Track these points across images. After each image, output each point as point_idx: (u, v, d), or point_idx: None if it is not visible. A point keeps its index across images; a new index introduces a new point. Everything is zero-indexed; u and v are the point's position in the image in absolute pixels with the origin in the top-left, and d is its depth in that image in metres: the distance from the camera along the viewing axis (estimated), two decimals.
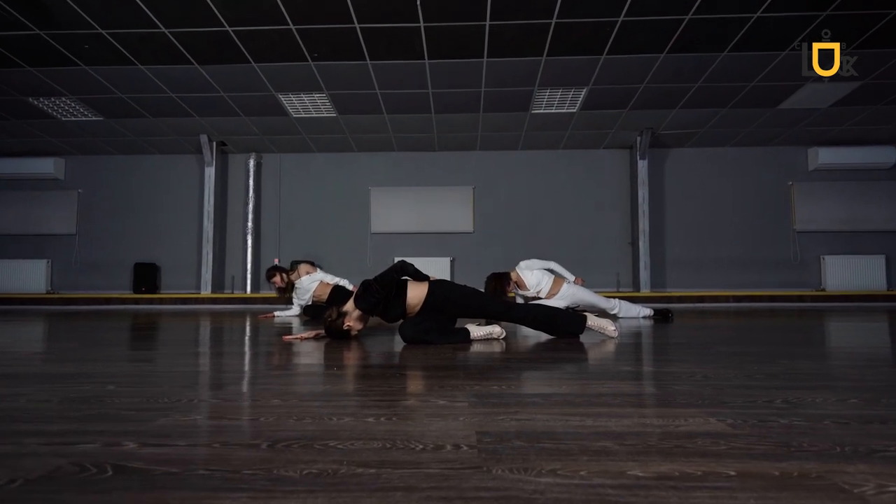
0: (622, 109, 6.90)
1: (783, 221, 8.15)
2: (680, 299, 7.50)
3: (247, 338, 3.29)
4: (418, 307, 2.99)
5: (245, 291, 8.05)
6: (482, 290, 3.22)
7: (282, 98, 6.47)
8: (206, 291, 7.84)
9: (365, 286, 2.86)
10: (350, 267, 7.97)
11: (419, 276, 2.99)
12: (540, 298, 4.75)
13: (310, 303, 5.15)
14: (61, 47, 5.22)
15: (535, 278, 4.71)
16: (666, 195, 8.24)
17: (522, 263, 4.77)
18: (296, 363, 2.12)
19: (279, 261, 8.27)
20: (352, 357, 2.35)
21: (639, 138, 7.76)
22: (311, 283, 5.05)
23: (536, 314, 3.06)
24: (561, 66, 5.66)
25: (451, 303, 3.06)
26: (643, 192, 7.86)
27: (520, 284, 4.78)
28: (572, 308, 4.98)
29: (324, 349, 2.60)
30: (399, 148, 8.32)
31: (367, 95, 6.39)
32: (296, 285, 5.10)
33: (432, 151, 8.43)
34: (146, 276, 8.05)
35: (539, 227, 8.13)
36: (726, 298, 7.61)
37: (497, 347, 2.76)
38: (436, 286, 3.09)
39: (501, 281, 4.59)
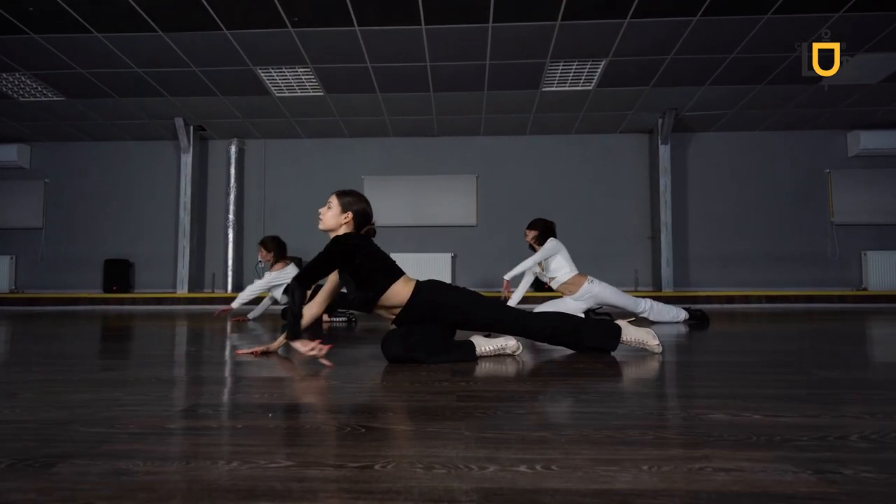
0: (644, 87, 6.14)
1: (819, 213, 7.39)
2: (707, 299, 6.76)
3: (202, 349, 2.57)
4: (398, 309, 2.28)
5: (226, 290, 7.34)
6: (485, 296, 2.49)
7: (261, 73, 5.74)
8: (182, 290, 7.14)
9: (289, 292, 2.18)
10: None
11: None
12: (550, 289, 4.16)
13: (280, 301, 4.47)
14: (3, 10, 4.50)
15: (558, 264, 4.03)
16: (689, 184, 7.49)
17: (553, 244, 4.11)
18: (217, 405, 1.40)
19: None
20: (305, 390, 1.62)
21: (660, 121, 7.00)
22: (274, 282, 4.35)
23: (556, 326, 2.33)
24: (577, 32, 4.91)
25: (441, 307, 2.34)
26: (665, 181, 7.10)
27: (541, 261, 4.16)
28: (592, 311, 4.26)
29: (273, 371, 1.88)
30: (395, 133, 7.58)
31: (358, 70, 5.66)
32: (264, 275, 4.41)
33: (431, 137, 7.69)
34: (118, 274, 7.35)
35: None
36: (758, 298, 6.86)
37: (511, 368, 2.03)
38: (423, 286, 2.36)
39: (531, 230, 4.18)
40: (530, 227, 4.26)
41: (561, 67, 5.64)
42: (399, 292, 2.30)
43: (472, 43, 5.10)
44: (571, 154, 7.61)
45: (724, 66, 5.61)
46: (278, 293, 4.43)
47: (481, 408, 1.35)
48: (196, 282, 7.42)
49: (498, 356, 2.35)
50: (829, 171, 7.40)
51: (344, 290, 2.48)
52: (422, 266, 7.31)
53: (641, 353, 2.32)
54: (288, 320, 2.13)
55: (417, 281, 2.37)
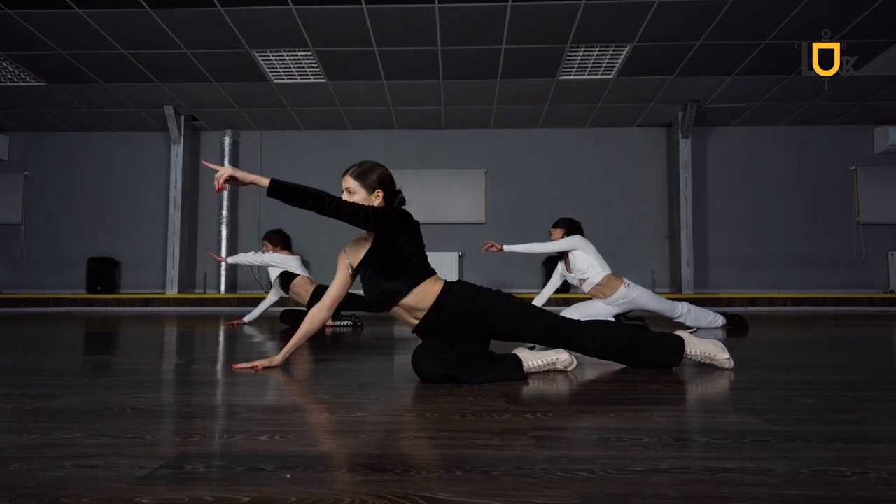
0: (668, 76, 5.76)
1: (845, 213, 7.04)
2: (729, 302, 6.39)
3: (191, 360, 2.13)
4: (421, 312, 1.89)
5: (219, 291, 6.89)
6: (525, 302, 2.11)
7: (259, 57, 5.31)
8: (172, 291, 6.68)
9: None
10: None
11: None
12: (581, 290, 3.76)
13: (285, 295, 4.07)
14: None
15: (586, 263, 3.64)
16: (708, 181, 7.13)
17: (576, 239, 3.70)
18: (210, 455, 0.99)
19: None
20: (325, 427, 1.20)
21: (681, 113, 6.63)
22: (272, 261, 3.94)
23: (606, 337, 1.94)
24: (604, 12, 4.52)
25: (474, 315, 1.95)
26: (685, 177, 6.73)
27: (566, 258, 3.74)
28: (623, 315, 3.88)
29: (279, 395, 1.47)
30: (400, 125, 7.17)
31: (363, 54, 5.24)
32: (267, 260, 4.00)
33: (438, 129, 7.28)
34: (103, 273, 6.88)
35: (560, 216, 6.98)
36: (783, 301, 6.50)
37: (567, 387, 1.64)
38: (453, 287, 1.97)
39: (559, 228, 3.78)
40: (556, 225, 3.88)
41: (582, 53, 5.26)
42: (428, 290, 1.91)
43: (488, 24, 4.70)
44: (586, 149, 7.23)
45: (756, 53, 5.24)
46: (274, 275, 4.02)
47: (578, 461, 0.94)
48: (186, 282, 6.96)
49: (547, 372, 1.97)
50: (854, 169, 7.06)
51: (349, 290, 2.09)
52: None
53: (708, 369, 1.94)
54: (287, 185, 1.71)
55: (446, 281, 1.99)
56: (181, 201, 6.77)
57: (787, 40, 4.96)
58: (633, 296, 3.62)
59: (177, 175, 6.75)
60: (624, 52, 5.24)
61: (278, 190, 1.69)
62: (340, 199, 1.77)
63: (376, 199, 1.92)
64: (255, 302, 6.54)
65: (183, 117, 6.70)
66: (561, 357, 2.08)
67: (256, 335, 3.55)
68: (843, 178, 7.08)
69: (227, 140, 7.04)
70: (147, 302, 6.52)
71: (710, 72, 5.66)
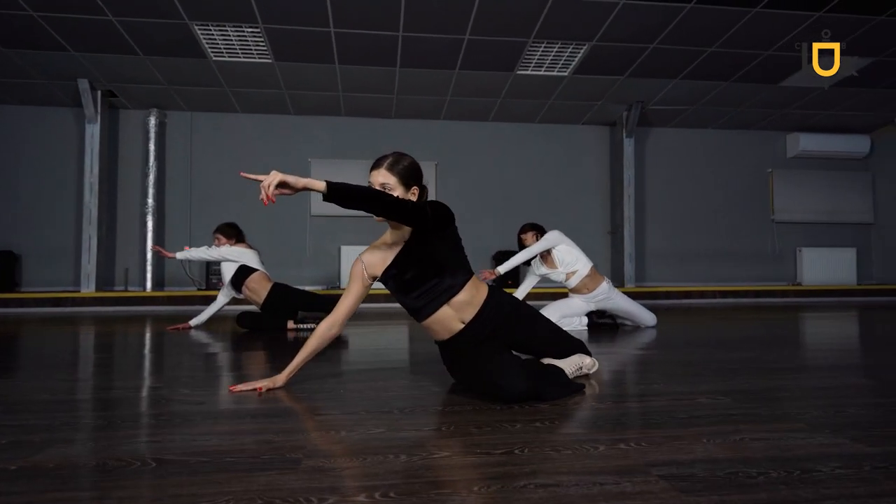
0: (619, 76, 5.93)
1: (762, 211, 7.70)
2: (666, 295, 6.77)
3: (114, 376, 1.79)
4: (472, 311, 1.78)
5: (144, 288, 6.23)
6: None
7: (199, 30, 4.79)
8: (88, 289, 5.94)
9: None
10: (284, 258, 6.44)
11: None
12: (571, 286, 3.73)
13: (236, 295, 3.71)
14: None
15: (572, 255, 3.65)
16: (647, 180, 7.48)
17: (557, 234, 3.67)
18: None
19: (189, 248, 6.51)
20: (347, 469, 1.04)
21: (626, 113, 6.88)
22: (230, 255, 3.59)
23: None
24: (570, 9, 4.54)
25: (521, 318, 1.92)
26: (629, 175, 7.01)
27: (545, 256, 3.73)
28: (596, 315, 3.94)
29: (351, 439, 1.26)
30: (347, 112, 6.83)
31: (318, 36, 4.90)
32: (224, 254, 3.62)
33: (388, 118, 7.03)
34: (0, 269, 5.97)
35: (511, 211, 7.01)
36: (713, 294, 7.00)
37: (597, 405, 1.57)
38: (497, 292, 1.89)
39: (532, 231, 3.71)
40: (526, 230, 3.83)
41: (542, 48, 5.26)
42: (478, 286, 1.85)
43: (456, 12, 4.55)
44: (535, 144, 7.31)
45: (701, 60, 5.53)
46: (229, 273, 3.65)
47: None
48: (105, 278, 6.23)
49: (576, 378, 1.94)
50: (770, 171, 7.72)
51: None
52: None
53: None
54: (345, 187, 1.47)
55: (490, 285, 1.94)
56: (98, 187, 6.01)
57: (730, 49, 5.27)
58: (614, 294, 3.69)
59: (93, 158, 5.98)
60: (582, 51, 5.31)
61: (335, 193, 1.47)
62: (398, 197, 1.58)
63: (412, 197, 1.75)
64: (186, 300, 6.01)
65: (100, 93, 5.93)
66: (585, 361, 2.05)
67: (209, 342, 3.21)
68: (761, 180, 7.72)
69: (152, 121, 6.32)
70: (58, 301, 5.74)
71: (657, 74, 5.89)
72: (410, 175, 1.73)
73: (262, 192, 1.44)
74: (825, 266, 7.57)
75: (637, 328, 3.75)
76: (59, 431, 1.38)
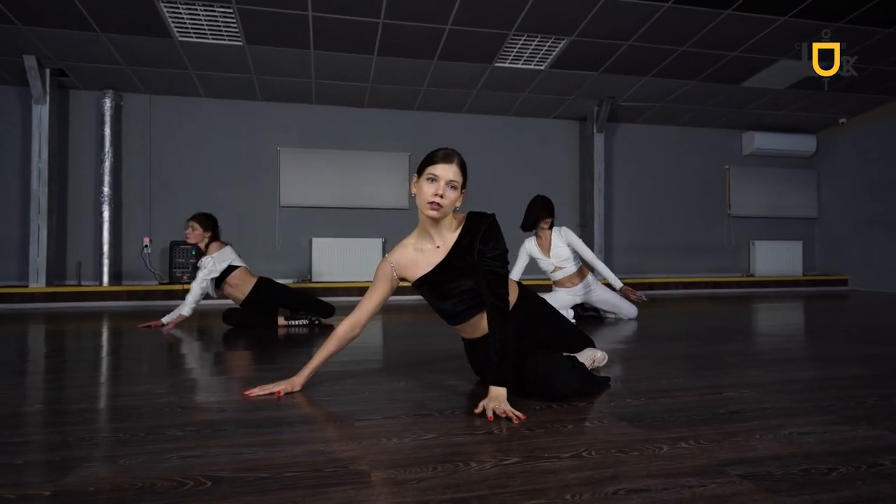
0: (593, 72, 6.02)
1: (720, 206, 8.05)
2: (633, 286, 6.96)
3: (66, 388, 1.67)
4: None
5: (100, 283, 5.84)
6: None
7: (164, 7, 4.49)
8: (38, 284, 5.51)
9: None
10: (252, 249, 6.18)
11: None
12: (555, 278, 3.84)
13: (213, 295, 3.53)
14: None
15: (567, 252, 3.70)
16: (614, 174, 7.66)
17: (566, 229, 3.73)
18: None
19: (150, 241, 6.18)
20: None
21: (596, 108, 7.00)
22: (220, 264, 3.42)
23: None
24: (555, 1, 4.54)
25: (546, 315, 1.95)
26: (599, 169, 7.16)
27: (541, 237, 3.76)
28: (581, 307, 4.03)
29: (417, 449, 1.20)
30: (319, 100, 6.61)
31: (294, 19, 4.69)
32: (199, 264, 3.43)
33: (360, 108, 6.86)
34: None
35: (484, 204, 7.01)
36: (675, 285, 7.29)
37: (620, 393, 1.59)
38: (526, 291, 1.90)
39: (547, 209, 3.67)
40: (542, 217, 3.76)
41: (522, 41, 5.25)
42: (513, 289, 1.82)
43: (439, 0, 4.47)
44: (507, 137, 7.32)
45: (672, 58, 5.68)
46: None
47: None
48: (56, 272, 5.79)
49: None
50: (727, 168, 8.07)
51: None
52: (348, 252, 6.54)
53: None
54: (495, 360, 1.49)
55: (519, 284, 1.94)
56: (47, 174, 5.56)
57: (699, 49, 5.44)
58: (597, 286, 3.77)
59: (41, 142, 5.52)
60: (560, 45, 5.35)
61: (504, 377, 1.50)
62: (501, 306, 1.55)
63: (462, 196, 1.66)
64: (148, 295, 5.69)
65: (48, 71, 5.47)
66: (597, 354, 2.10)
67: (193, 341, 3.05)
68: (719, 176, 8.07)
69: (107, 103, 5.89)
70: (4, 297, 5.31)
71: (630, 71, 6.02)
72: (467, 175, 1.66)
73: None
74: (775, 258, 8.02)
75: (619, 320, 3.85)
76: (76, 448, 1.26)
